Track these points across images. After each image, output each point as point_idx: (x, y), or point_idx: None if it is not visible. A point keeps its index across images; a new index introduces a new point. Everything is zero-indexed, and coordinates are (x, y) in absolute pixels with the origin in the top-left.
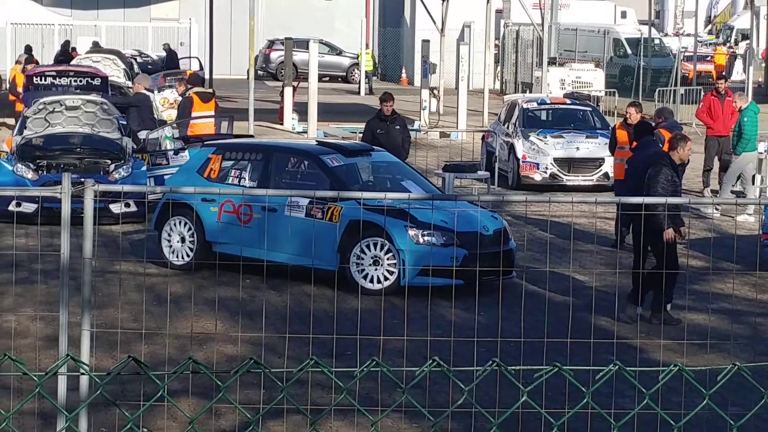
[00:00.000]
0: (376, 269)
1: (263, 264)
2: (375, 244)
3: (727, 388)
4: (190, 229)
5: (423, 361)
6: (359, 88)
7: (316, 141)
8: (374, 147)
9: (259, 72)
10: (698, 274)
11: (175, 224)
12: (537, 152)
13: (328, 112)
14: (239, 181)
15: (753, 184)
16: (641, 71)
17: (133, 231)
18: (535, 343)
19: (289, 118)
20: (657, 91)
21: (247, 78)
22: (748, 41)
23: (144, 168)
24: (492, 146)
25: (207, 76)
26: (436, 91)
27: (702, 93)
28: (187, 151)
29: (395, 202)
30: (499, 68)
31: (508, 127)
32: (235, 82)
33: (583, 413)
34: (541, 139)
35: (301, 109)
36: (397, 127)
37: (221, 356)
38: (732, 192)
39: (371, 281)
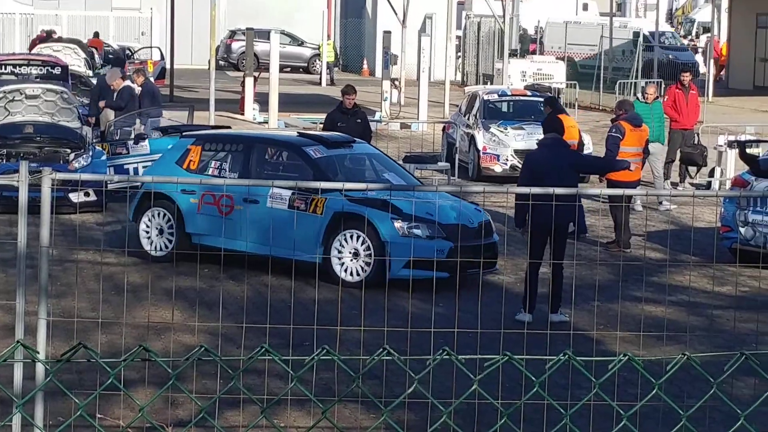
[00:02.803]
0: (352, 261)
1: (242, 255)
2: (354, 236)
3: (684, 380)
4: (168, 220)
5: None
6: (320, 78)
7: (298, 132)
8: (355, 139)
9: (220, 62)
10: (656, 266)
11: (153, 215)
12: (497, 144)
13: (289, 103)
14: (219, 173)
15: (712, 176)
16: (602, 64)
17: (109, 222)
18: (493, 334)
19: (250, 108)
20: (618, 83)
21: (208, 68)
22: (709, 34)
23: (104, 157)
24: (453, 137)
25: (168, 66)
26: (397, 83)
27: (663, 86)
28: (147, 141)
29: (379, 194)
30: (460, 60)
31: (468, 119)
32: (197, 72)
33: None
34: (501, 131)
35: (262, 100)
36: (358, 120)
37: (179, 346)
38: (692, 184)
39: (351, 274)
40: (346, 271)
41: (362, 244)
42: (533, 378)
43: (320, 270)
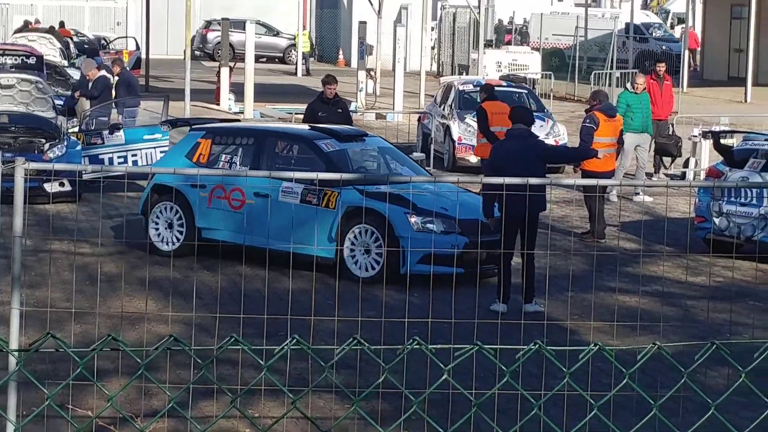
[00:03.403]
0: (366, 257)
1: (249, 250)
2: (366, 231)
3: (658, 370)
4: (177, 214)
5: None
6: (296, 69)
7: (309, 126)
8: (367, 132)
9: (196, 52)
10: (631, 257)
11: (162, 210)
12: (473, 134)
13: (264, 93)
14: (230, 166)
15: (686, 167)
16: (577, 54)
17: (111, 215)
18: (467, 324)
19: (226, 98)
20: (593, 74)
21: (184, 58)
22: (683, 25)
23: (78, 147)
24: (428, 128)
25: (143, 56)
26: (372, 73)
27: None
28: (122, 131)
29: (393, 188)
30: (435, 50)
31: (444, 109)
32: (172, 62)
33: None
34: (476, 121)
35: (237, 90)
36: (339, 110)
37: (153, 336)
38: (666, 175)
39: (366, 269)
40: (359, 266)
41: (374, 241)
42: (504, 368)
43: (333, 265)
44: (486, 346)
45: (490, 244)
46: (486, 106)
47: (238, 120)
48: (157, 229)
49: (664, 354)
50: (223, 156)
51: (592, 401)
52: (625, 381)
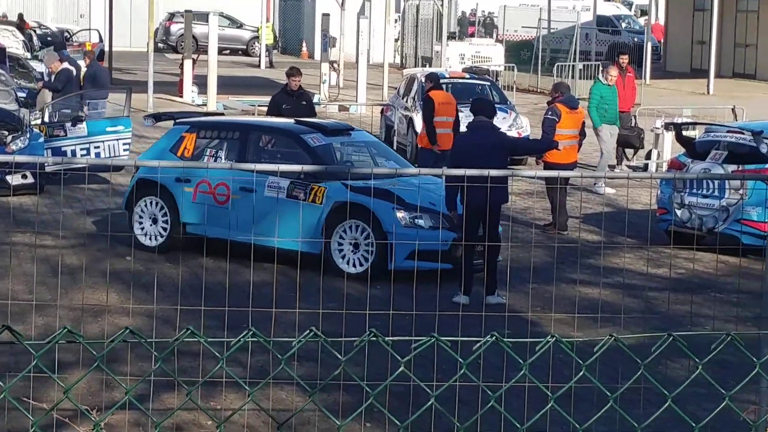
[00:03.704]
0: (354, 252)
1: (232, 245)
2: (356, 227)
3: (621, 362)
4: (161, 209)
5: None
6: (259, 61)
7: (295, 120)
8: (353, 126)
9: (159, 44)
10: (593, 249)
11: (147, 204)
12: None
13: (228, 85)
14: (215, 161)
15: (649, 158)
16: (540, 46)
17: (93, 210)
18: (429, 316)
19: (189, 90)
20: (556, 66)
21: (147, 50)
22: (646, 17)
23: (41, 140)
24: (391, 120)
25: (107, 49)
26: (336, 65)
27: (600, 68)
28: (84, 123)
29: (381, 183)
30: (399, 42)
31: (407, 101)
32: (135, 55)
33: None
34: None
35: (200, 82)
36: (303, 102)
37: (115, 328)
38: (629, 167)
39: (353, 265)
40: (347, 262)
41: (363, 235)
42: (461, 360)
43: (321, 261)
44: (443, 338)
45: (479, 239)
46: (433, 96)
47: (222, 114)
48: (141, 225)
49: (621, 345)
50: (208, 150)
51: (549, 393)
52: (582, 373)
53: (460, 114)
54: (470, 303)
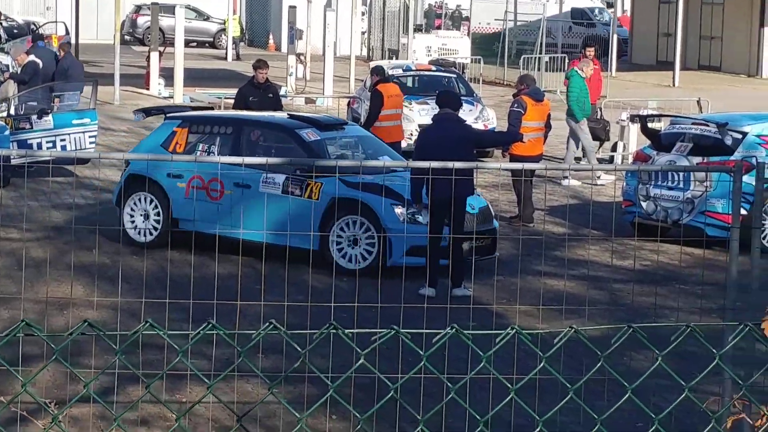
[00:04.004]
0: (353, 248)
1: (226, 240)
2: (355, 223)
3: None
4: (153, 205)
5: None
6: (226, 53)
7: (288, 114)
8: (347, 121)
9: (126, 37)
10: (558, 241)
11: (138, 200)
12: (402, 118)
13: (194, 78)
14: (208, 156)
15: (614, 150)
16: (506, 38)
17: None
18: (393, 308)
19: (156, 83)
20: (522, 58)
21: (114, 43)
22: (613, 9)
23: (7, 132)
24: (357, 112)
25: (73, 41)
26: (302, 58)
27: (567, 61)
28: (51, 116)
29: (375, 179)
30: (366, 35)
31: None
32: (102, 47)
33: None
34: (406, 106)
35: (167, 75)
36: (270, 95)
37: (80, 321)
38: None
39: (350, 260)
40: (347, 258)
41: (365, 232)
42: (420, 352)
43: (318, 257)
44: (404, 330)
45: (485, 234)
46: (381, 89)
47: (212, 108)
48: (132, 220)
49: (581, 337)
50: (201, 145)
51: (509, 385)
52: (542, 364)
53: (427, 106)
54: (437, 295)
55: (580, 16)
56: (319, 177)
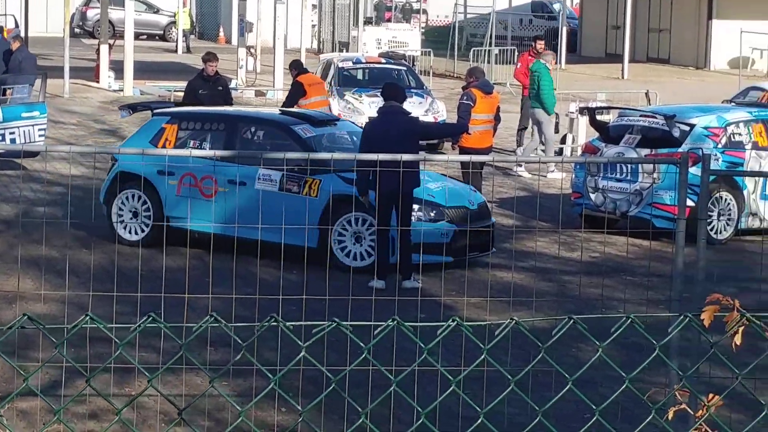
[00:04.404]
0: (355, 246)
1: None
2: (358, 220)
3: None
4: (144, 203)
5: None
6: (176, 46)
7: (280, 110)
8: (338, 117)
9: (76, 30)
10: (507, 233)
11: (127, 198)
12: (352, 111)
13: (144, 71)
14: (210, 157)
15: (563, 143)
16: (456, 31)
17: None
18: (341, 301)
19: (106, 76)
20: (472, 51)
21: (63, 36)
22: (560, 2)
23: None
24: None
25: (23, 34)
26: (253, 50)
27: (516, 53)
28: (0, 108)
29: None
30: (316, 27)
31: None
32: (52, 40)
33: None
34: (356, 98)
35: (117, 67)
36: (220, 87)
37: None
38: (544, 151)
39: (354, 258)
40: (350, 256)
41: (368, 229)
42: (362, 344)
43: (316, 255)
44: (344, 323)
45: (475, 231)
46: (301, 80)
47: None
48: (121, 219)
49: (523, 329)
50: (191, 142)
51: (449, 377)
52: (483, 356)
53: (377, 98)
54: (387, 288)
55: (540, 8)
56: (317, 174)
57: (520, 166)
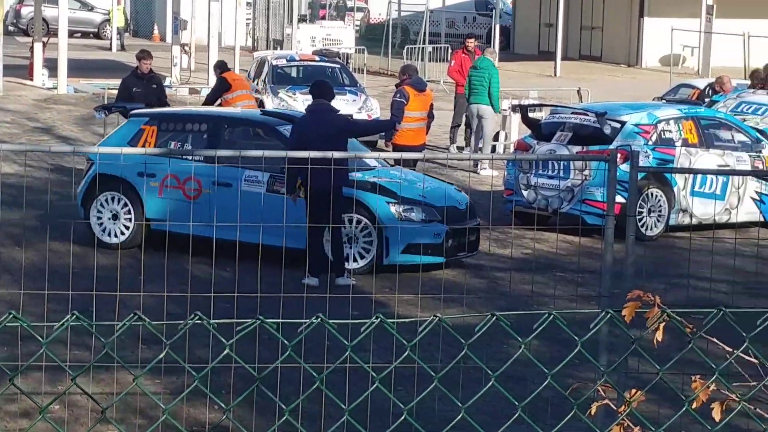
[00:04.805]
0: (349, 247)
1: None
2: (350, 221)
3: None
4: (125, 205)
5: (160, 317)
6: (111, 44)
7: (261, 111)
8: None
9: (9, 27)
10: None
11: (106, 200)
12: (286, 109)
13: (79, 68)
14: (182, 155)
15: (497, 140)
16: (390, 29)
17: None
18: (275, 298)
19: (39, 74)
20: (406, 48)
21: None
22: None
23: None
24: None
25: None
26: (187, 48)
27: (450, 51)
28: None
29: (364, 175)
30: (251, 25)
31: (257, 84)
32: None
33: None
34: (290, 96)
35: (51, 65)
36: (154, 85)
37: None
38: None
39: (347, 259)
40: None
41: (362, 231)
42: (286, 342)
43: (305, 256)
44: (269, 320)
45: (464, 231)
46: (226, 76)
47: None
48: (100, 222)
49: (446, 326)
50: (173, 144)
51: (374, 374)
52: (406, 353)
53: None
54: (320, 285)
55: (484, 6)
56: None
57: (485, 168)
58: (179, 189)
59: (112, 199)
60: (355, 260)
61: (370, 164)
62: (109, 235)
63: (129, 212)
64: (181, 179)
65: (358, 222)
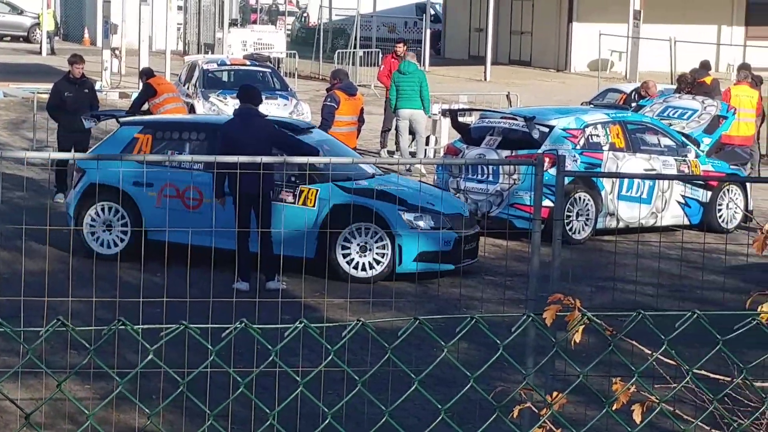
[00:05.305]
0: (361, 256)
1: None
2: (360, 230)
3: (413, 345)
4: (122, 217)
5: (90, 322)
6: (41, 48)
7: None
8: (312, 125)
9: None
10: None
11: (101, 210)
12: (217, 113)
13: (8, 72)
14: (179, 164)
15: (427, 144)
16: (322, 33)
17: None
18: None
19: None
20: (336, 53)
21: None
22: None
23: None
24: None
25: None
26: (117, 52)
27: (381, 55)
28: None
29: (370, 183)
30: (182, 29)
31: (188, 88)
32: None
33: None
34: (221, 100)
35: None
36: (86, 90)
37: None
38: (411, 154)
39: (362, 269)
40: (355, 266)
41: (375, 239)
42: (210, 347)
43: (313, 266)
44: (193, 326)
45: (469, 238)
46: (151, 82)
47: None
48: (94, 233)
49: (369, 330)
50: (169, 153)
51: (298, 378)
52: (330, 357)
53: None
54: (250, 289)
55: (423, 12)
56: (312, 183)
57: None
58: (178, 198)
59: (107, 209)
60: (372, 267)
61: (368, 171)
62: (102, 245)
63: (126, 225)
64: (180, 189)
65: (369, 230)
